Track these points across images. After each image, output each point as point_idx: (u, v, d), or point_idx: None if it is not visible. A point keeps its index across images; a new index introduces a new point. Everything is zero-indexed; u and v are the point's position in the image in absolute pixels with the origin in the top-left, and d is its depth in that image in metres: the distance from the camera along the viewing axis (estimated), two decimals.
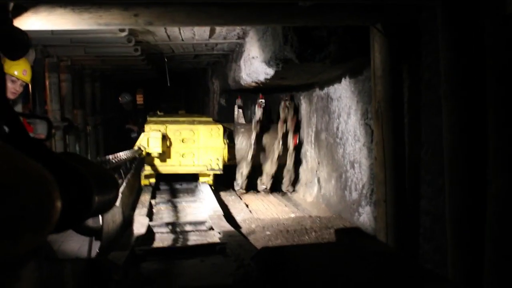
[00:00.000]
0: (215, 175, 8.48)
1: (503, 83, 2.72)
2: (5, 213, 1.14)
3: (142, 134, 7.96)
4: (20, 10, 3.70)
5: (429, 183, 3.97)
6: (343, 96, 6.16)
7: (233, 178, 8.87)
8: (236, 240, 4.33)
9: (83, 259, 3.21)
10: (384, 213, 4.19)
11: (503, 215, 2.77)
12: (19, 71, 5.30)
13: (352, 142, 5.88)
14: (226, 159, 8.35)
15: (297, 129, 8.17)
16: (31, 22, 3.83)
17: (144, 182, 8.32)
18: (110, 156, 5.30)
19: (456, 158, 3.20)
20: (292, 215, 6.72)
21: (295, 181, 8.41)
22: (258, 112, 8.30)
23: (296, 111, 8.29)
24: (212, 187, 8.27)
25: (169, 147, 8.14)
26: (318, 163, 7.53)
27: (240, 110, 9.29)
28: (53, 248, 2.41)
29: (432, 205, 3.92)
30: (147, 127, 8.10)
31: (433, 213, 3.91)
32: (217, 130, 8.26)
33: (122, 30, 6.46)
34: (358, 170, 5.72)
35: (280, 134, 8.01)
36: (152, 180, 8.40)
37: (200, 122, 8.64)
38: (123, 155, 5.96)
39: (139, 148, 7.67)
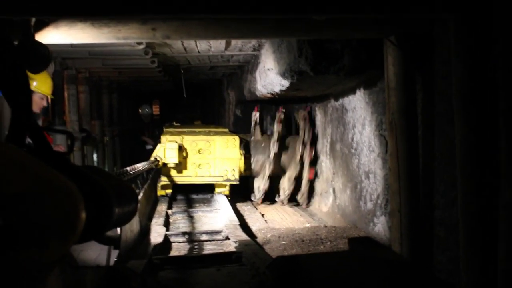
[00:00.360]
0: (231, 186, 8.50)
1: None
2: (34, 222, 1.21)
3: (159, 145, 8.00)
4: (42, 24, 3.81)
5: (442, 194, 4.00)
6: (358, 107, 6.20)
7: (249, 188, 8.93)
8: (251, 249, 4.38)
9: (103, 266, 3.26)
10: (398, 223, 4.22)
11: None
12: (46, 87, 5.44)
13: (367, 153, 5.91)
14: (242, 169, 8.35)
15: (313, 141, 8.17)
16: (52, 36, 3.93)
17: (160, 192, 8.38)
18: (128, 168, 5.38)
19: (469, 168, 3.23)
20: (308, 225, 6.76)
21: (310, 194, 8.40)
22: (278, 126, 8.26)
23: (313, 123, 8.31)
24: (229, 197, 8.31)
25: (185, 158, 8.17)
26: (333, 174, 7.56)
27: (257, 124, 9.22)
28: (73, 256, 2.49)
29: (446, 215, 3.94)
30: (163, 138, 8.13)
31: (446, 223, 3.93)
32: (233, 141, 8.26)
33: (139, 43, 6.56)
34: (373, 180, 5.75)
35: (298, 152, 8.03)
36: (169, 191, 8.43)
37: (216, 133, 8.67)
38: (140, 166, 6.04)
39: (156, 159, 7.72)
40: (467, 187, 3.25)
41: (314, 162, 8.21)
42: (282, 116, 8.35)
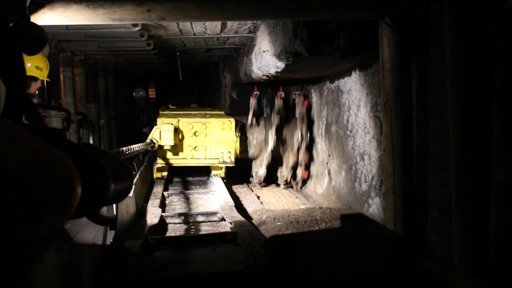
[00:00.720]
0: (227, 168, 8.53)
1: (508, 75, 2.78)
2: (31, 196, 1.23)
3: (155, 127, 8.00)
4: (37, 6, 3.80)
5: (436, 174, 4.03)
6: (353, 89, 6.22)
7: (245, 170, 8.95)
8: (247, 229, 4.42)
9: (99, 245, 3.30)
10: (392, 204, 4.25)
11: (507, 204, 2.83)
12: (42, 69, 5.44)
13: (362, 135, 5.94)
14: (238, 152, 8.35)
15: (309, 126, 8.21)
16: (47, 17, 3.92)
17: (156, 175, 8.38)
18: (124, 148, 5.40)
19: (462, 149, 3.25)
20: (303, 207, 6.80)
21: (308, 168, 8.47)
22: (277, 111, 8.26)
23: (309, 106, 8.33)
24: (224, 180, 8.34)
25: (181, 140, 8.18)
26: (329, 156, 7.59)
27: (255, 106, 9.05)
28: (70, 235, 2.51)
29: (440, 196, 3.98)
30: (159, 120, 8.14)
31: (440, 203, 3.97)
32: (229, 123, 8.27)
33: (135, 25, 6.55)
34: (368, 162, 5.78)
35: (298, 128, 8.08)
36: (164, 173, 8.44)
37: (212, 115, 8.66)
38: (136, 147, 6.05)
39: (152, 141, 7.72)
40: (460, 168, 3.28)
41: (310, 146, 8.27)
42: (281, 103, 8.34)
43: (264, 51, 6.78)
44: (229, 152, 8.25)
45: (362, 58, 5.46)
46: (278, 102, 8.33)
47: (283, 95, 8.42)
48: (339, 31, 4.83)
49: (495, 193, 2.93)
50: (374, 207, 5.59)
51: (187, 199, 7.13)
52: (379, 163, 5.36)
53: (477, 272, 3.18)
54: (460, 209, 3.30)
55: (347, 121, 6.51)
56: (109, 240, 4.31)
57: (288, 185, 8.47)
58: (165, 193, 7.30)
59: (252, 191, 8.20)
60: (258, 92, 8.97)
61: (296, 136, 8.12)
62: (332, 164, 7.40)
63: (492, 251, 2.97)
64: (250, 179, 8.85)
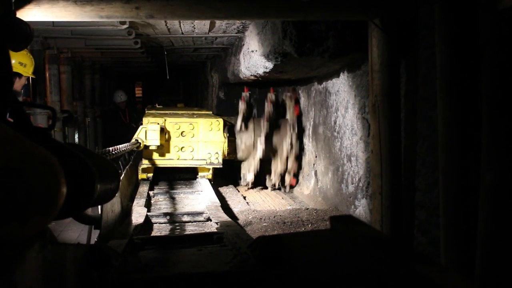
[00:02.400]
0: (215, 169, 8.37)
1: (497, 78, 2.78)
2: (14, 196, 1.20)
3: (140, 127, 7.81)
4: (23, 1, 3.75)
5: (424, 176, 4.03)
6: (341, 90, 6.21)
7: (232, 171, 8.86)
8: (233, 230, 4.39)
9: (84, 244, 3.26)
10: (379, 206, 4.25)
11: (494, 207, 2.83)
12: (27, 67, 5.38)
13: (349, 136, 5.94)
14: (226, 153, 8.19)
15: (300, 129, 8.12)
16: (33, 13, 3.88)
17: (141, 176, 8.17)
18: (111, 148, 5.34)
19: (450, 152, 3.25)
20: (289, 207, 6.79)
21: (297, 176, 8.38)
22: (268, 113, 8.12)
23: (298, 101, 8.26)
24: (212, 181, 8.18)
25: (167, 141, 7.99)
26: (316, 157, 7.59)
27: (245, 106, 8.69)
28: (54, 235, 2.47)
29: (427, 198, 3.97)
30: (145, 119, 7.95)
31: (428, 205, 3.97)
32: (217, 124, 8.10)
33: (122, 23, 6.50)
34: (355, 163, 5.78)
35: (288, 136, 7.98)
36: (150, 174, 8.23)
37: (199, 115, 8.50)
38: (123, 147, 5.99)
39: (137, 141, 7.54)
40: (449, 170, 3.28)
41: (299, 155, 8.21)
42: (271, 109, 8.17)
43: (252, 51, 6.76)
44: (217, 153, 8.08)
45: (351, 59, 5.45)
46: (268, 108, 8.16)
47: (273, 97, 8.28)
48: (329, 31, 4.81)
49: (483, 196, 2.93)
50: (360, 209, 5.58)
51: (173, 199, 7.09)
52: (366, 165, 5.36)
53: (464, 274, 3.18)
54: (448, 211, 3.30)
55: (335, 123, 6.51)
56: (94, 239, 4.27)
57: (275, 189, 8.40)
58: (151, 193, 7.26)
59: (239, 191, 8.17)
60: (248, 93, 8.77)
61: (286, 144, 8.01)
62: (319, 165, 7.39)
63: (479, 253, 2.97)
64: (239, 181, 8.72)
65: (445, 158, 3.32)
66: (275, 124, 8.20)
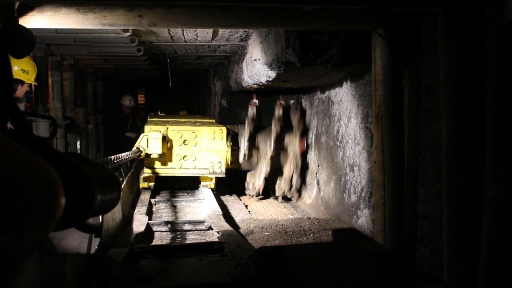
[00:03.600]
0: (217, 178, 8.19)
1: (502, 90, 2.75)
2: (11, 207, 1.18)
3: (142, 135, 7.67)
4: (26, 9, 3.75)
5: (427, 187, 4.00)
6: (344, 99, 6.19)
7: (235, 180, 8.69)
8: (234, 239, 4.36)
9: (83, 254, 3.24)
10: (382, 216, 4.22)
11: (499, 220, 2.80)
12: (30, 74, 5.38)
13: (352, 146, 5.91)
14: (229, 162, 8.03)
15: (304, 132, 7.98)
16: (36, 20, 3.87)
17: (142, 185, 8.04)
18: (113, 157, 5.31)
19: (454, 163, 3.23)
20: (291, 217, 6.76)
21: (301, 186, 8.20)
22: (276, 123, 7.88)
23: (303, 114, 8.12)
24: (214, 191, 8.02)
25: (169, 149, 7.83)
26: (318, 166, 7.56)
27: (254, 114, 8.35)
28: (53, 243, 2.45)
29: (430, 209, 3.95)
30: (147, 127, 7.79)
31: (430, 217, 3.94)
32: (221, 132, 7.92)
33: (125, 31, 6.50)
34: (358, 173, 5.75)
35: (296, 138, 7.85)
36: (151, 183, 8.08)
37: (202, 124, 8.35)
38: (125, 155, 5.96)
39: (138, 149, 7.39)
40: (452, 181, 3.25)
41: (303, 170, 8.07)
42: (281, 112, 7.96)
43: (255, 60, 6.75)
44: (220, 162, 7.90)
45: (354, 68, 5.44)
46: (277, 115, 7.93)
47: (281, 110, 8.01)
48: (332, 41, 4.80)
49: (487, 208, 2.90)
50: (363, 219, 5.55)
51: (174, 207, 7.06)
52: (369, 175, 5.33)
53: (466, 286, 3.15)
54: (451, 223, 3.27)
55: (338, 132, 6.49)
56: (95, 247, 4.25)
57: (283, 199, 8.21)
58: (152, 200, 7.23)
59: (240, 200, 8.13)
60: (257, 101, 8.43)
61: (292, 155, 7.87)
62: (321, 175, 7.36)
63: (482, 266, 2.94)
64: (246, 191, 8.46)
65: (448, 169, 3.29)
66: (282, 134, 7.99)
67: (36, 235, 1.27)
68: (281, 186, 8.07)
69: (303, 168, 8.09)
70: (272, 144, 7.79)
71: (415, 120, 4.18)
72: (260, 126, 8.40)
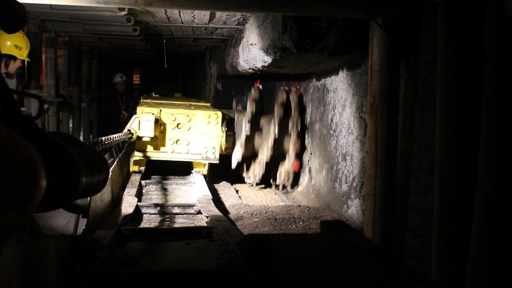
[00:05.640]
0: (210, 165, 7.99)
1: (499, 84, 2.72)
2: None
3: (134, 116, 7.43)
4: None
5: (419, 180, 3.98)
6: (339, 88, 6.16)
7: (228, 166, 8.43)
8: (223, 225, 4.34)
9: (67, 236, 3.20)
10: (372, 207, 4.20)
11: (491, 214, 2.78)
12: (23, 50, 5.31)
13: (345, 135, 5.88)
14: (223, 148, 7.83)
15: (302, 129, 7.76)
16: None
17: (133, 168, 7.78)
18: (103, 138, 5.25)
19: (447, 156, 3.20)
20: (281, 204, 6.74)
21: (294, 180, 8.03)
22: (279, 109, 7.69)
23: (302, 101, 7.93)
24: (207, 178, 7.79)
25: (162, 132, 7.62)
26: (310, 154, 7.53)
27: (255, 99, 8.08)
28: (38, 223, 2.41)
29: (421, 202, 3.93)
30: (139, 109, 7.56)
31: (421, 209, 3.92)
32: (216, 117, 7.73)
33: (121, 9, 6.42)
34: (350, 162, 5.73)
35: (296, 126, 7.62)
36: (142, 167, 7.84)
37: (197, 107, 8.15)
38: (116, 137, 5.89)
39: (129, 131, 7.18)
40: (445, 175, 3.23)
41: (300, 153, 7.89)
42: (285, 97, 7.79)
43: (251, 44, 6.69)
44: (214, 148, 7.71)
45: (350, 57, 5.39)
46: (279, 103, 7.74)
47: (284, 94, 7.83)
48: (329, 28, 4.75)
49: (479, 203, 2.88)
50: (353, 209, 5.54)
51: (164, 190, 7.02)
52: (361, 165, 5.31)
53: (454, 281, 3.14)
54: (442, 216, 3.25)
55: (331, 120, 6.45)
56: (82, 228, 4.21)
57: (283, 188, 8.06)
58: (143, 182, 7.18)
59: (232, 185, 8.07)
60: (260, 86, 8.23)
61: (289, 143, 7.69)
62: (314, 163, 7.34)
63: (471, 260, 2.93)
64: (246, 180, 8.28)
65: (441, 162, 3.27)
66: (283, 122, 7.78)
67: (15, 218, 1.23)
68: (281, 174, 7.91)
69: (300, 150, 7.88)
70: (276, 128, 7.59)
71: (410, 112, 4.15)
72: (261, 111, 8.25)
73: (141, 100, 8.96)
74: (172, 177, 8.05)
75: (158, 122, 7.49)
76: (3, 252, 1.31)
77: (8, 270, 1.36)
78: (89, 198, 4.05)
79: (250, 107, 7.95)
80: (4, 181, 1.14)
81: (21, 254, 1.46)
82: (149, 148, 7.67)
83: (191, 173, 8.13)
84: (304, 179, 7.80)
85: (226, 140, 7.83)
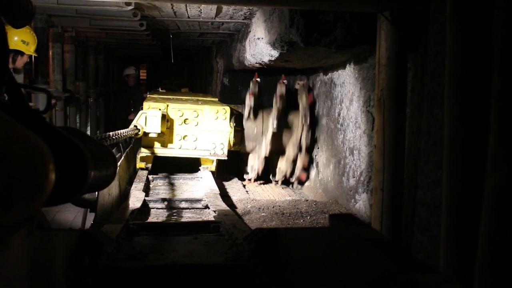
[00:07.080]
0: (218, 161, 7.80)
1: (508, 77, 2.70)
2: None
3: (140, 112, 7.26)
4: None
5: (427, 174, 3.96)
6: (347, 82, 6.14)
7: (236, 162, 8.40)
8: (230, 219, 4.33)
9: (75, 229, 3.21)
10: (380, 201, 4.19)
11: (500, 209, 2.77)
12: (30, 45, 5.32)
13: (353, 129, 5.87)
14: (231, 144, 7.65)
15: (312, 123, 7.57)
16: None
17: (140, 165, 7.63)
18: (111, 133, 5.24)
19: (456, 150, 3.19)
20: (288, 198, 6.74)
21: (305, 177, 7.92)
22: (278, 102, 7.58)
23: (312, 95, 7.75)
24: (215, 174, 7.61)
25: (169, 128, 7.46)
26: (318, 148, 7.52)
27: (255, 93, 7.94)
28: (46, 217, 2.41)
29: (429, 196, 3.91)
30: (146, 104, 7.43)
31: (429, 204, 3.91)
32: (224, 112, 7.51)
33: (128, 4, 6.42)
34: (357, 157, 5.71)
35: (301, 120, 7.49)
36: (149, 164, 7.68)
37: (205, 102, 7.97)
38: (124, 132, 5.87)
39: (136, 127, 7.03)
40: (453, 169, 3.21)
41: (311, 147, 7.74)
42: (284, 90, 7.66)
43: (258, 39, 6.67)
44: (222, 143, 7.49)
45: (358, 51, 5.37)
46: (279, 95, 7.63)
47: (284, 88, 7.71)
48: (337, 22, 4.73)
49: (487, 197, 2.86)
50: (360, 203, 5.53)
51: (172, 184, 7.01)
52: (368, 159, 5.30)
53: (462, 275, 3.12)
54: (450, 210, 3.24)
55: (339, 115, 6.44)
56: (89, 222, 4.22)
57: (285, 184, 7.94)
58: (150, 177, 7.17)
59: (239, 179, 8.06)
60: (259, 80, 8.08)
61: (296, 136, 7.57)
62: (321, 157, 7.33)
63: (480, 255, 2.92)
64: (245, 176, 8.20)
65: (450, 156, 3.25)
66: (285, 115, 7.69)
67: (24, 210, 1.23)
68: (281, 168, 7.82)
69: (311, 144, 7.73)
70: (275, 121, 7.47)
71: (418, 106, 4.13)
72: (261, 104, 8.16)
73: (148, 95, 8.90)
74: (179, 171, 7.95)
75: (165, 118, 7.33)
76: (12, 245, 1.31)
77: (17, 263, 1.37)
78: (97, 192, 4.05)
79: (249, 101, 7.85)
80: (14, 173, 1.14)
81: (30, 247, 1.46)
82: (156, 144, 7.51)
83: (199, 169, 7.97)
84: (311, 174, 7.79)
85: (235, 136, 7.67)
